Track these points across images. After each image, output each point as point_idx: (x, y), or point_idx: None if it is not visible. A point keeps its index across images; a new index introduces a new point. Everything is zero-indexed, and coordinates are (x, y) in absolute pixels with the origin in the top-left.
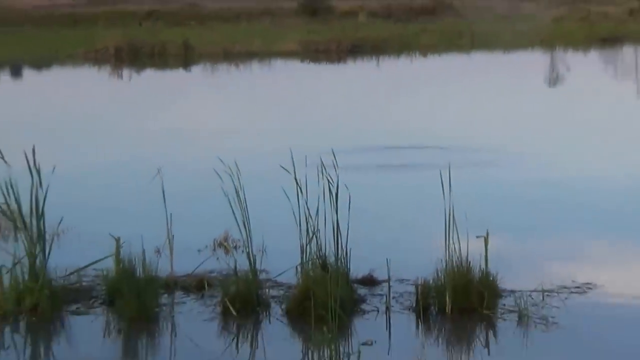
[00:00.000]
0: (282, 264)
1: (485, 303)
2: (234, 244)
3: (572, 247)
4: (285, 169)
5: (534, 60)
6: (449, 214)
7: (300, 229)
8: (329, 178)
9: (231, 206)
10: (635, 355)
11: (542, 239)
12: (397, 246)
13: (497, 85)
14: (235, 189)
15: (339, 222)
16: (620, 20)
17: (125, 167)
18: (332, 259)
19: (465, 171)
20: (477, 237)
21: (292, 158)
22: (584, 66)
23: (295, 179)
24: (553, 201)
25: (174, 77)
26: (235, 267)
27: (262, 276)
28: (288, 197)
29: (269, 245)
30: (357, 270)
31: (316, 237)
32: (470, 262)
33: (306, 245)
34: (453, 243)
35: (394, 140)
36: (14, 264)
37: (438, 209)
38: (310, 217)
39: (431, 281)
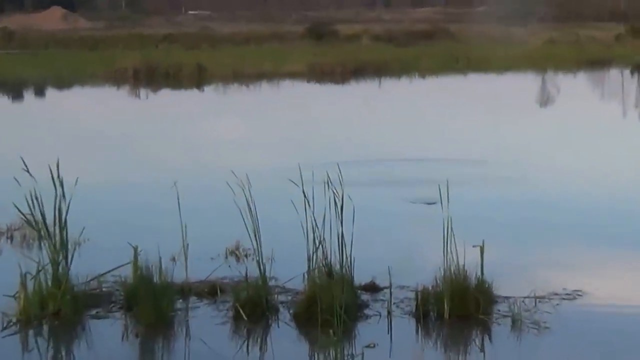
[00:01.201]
0: (290, 271)
1: (481, 309)
2: (245, 253)
3: (563, 256)
4: (294, 182)
5: (526, 82)
6: (447, 225)
7: (307, 239)
8: (334, 191)
9: (242, 217)
10: (623, 357)
11: (534, 248)
12: (398, 255)
13: (491, 105)
14: (247, 201)
15: (344, 232)
16: (608, 44)
17: (143, 180)
18: (337, 267)
19: (462, 185)
20: (474, 246)
21: (300, 172)
22: (574, 87)
23: (303, 192)
24: (544, 214)
25: (188, 96)
26: (246, 274)
27: (272, 283)
28: (296, 209)
29: (277, 254)
30: (361, 277)
31: (322, 246)
32: (467, 270)
33: (313, 253)
34: (451, 252)
35: (396, 155)
36: (38, 271)
37: (437, 221)
38: (317, 227)
39: (430, 288)
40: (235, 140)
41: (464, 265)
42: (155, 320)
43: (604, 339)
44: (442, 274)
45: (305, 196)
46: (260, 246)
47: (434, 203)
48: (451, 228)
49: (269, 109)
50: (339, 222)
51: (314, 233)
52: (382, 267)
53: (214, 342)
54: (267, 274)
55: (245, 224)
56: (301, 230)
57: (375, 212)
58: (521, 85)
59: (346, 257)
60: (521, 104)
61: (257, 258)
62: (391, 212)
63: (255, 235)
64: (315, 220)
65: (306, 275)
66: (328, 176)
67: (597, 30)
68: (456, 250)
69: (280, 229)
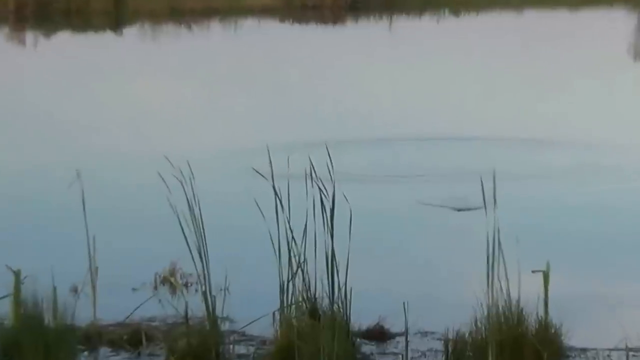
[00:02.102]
0: (253, 309)
1: None
2: (184, 280)
3: None
4: (260, 174)
5: (615, 22)
6: (493, 239)
7: (279, 260)
8: (321, 187)
9: (181, 226)
10: None
11: (623, 276)
12: (418, 285)
13: (562, 60)
14: (188, 201)
15: (335, 249)
16: None
17: (30, 170)
18: (325, 302)
19: (519, 180)
20: (533, 272)
21: (269, 158)
22: None
23: (274, 188)
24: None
25: (99, 44)
26: (186, 313)
27: (225, 327)
28: (262, 214)
29: (234, 283)
30: (361, 318)
31: (302, 270)
32: (522, 308)
33: (288, 282)
34: (498, 281)
35: (414, 133)
36: None
37: (476, 233)
38: (295, 242)
39: (467, 335)
40: (170, 111)
41: (517, 301)
42: None
43: None
44: (485, 314)
45: (277, 194)
46: (208, 271)
47: (472, 209)
48: (499, 244)
49: (222, 63)
50: (328, 235)
51: (289, 250)
52: (394, 303)
53: None
54: (218, 312)
55: (185, 236)
56: (270, 246)
57: (383, 220)
58: (607, 25)
59: (339, 288)
60: (609, 54)
61: (203, 288)
62: (407, 219)
63: (200, 254)
64: (292, 232)
65: (278, 316)
66: (312, 164)
67: None
68: (506, 277)
69: (239, 245)
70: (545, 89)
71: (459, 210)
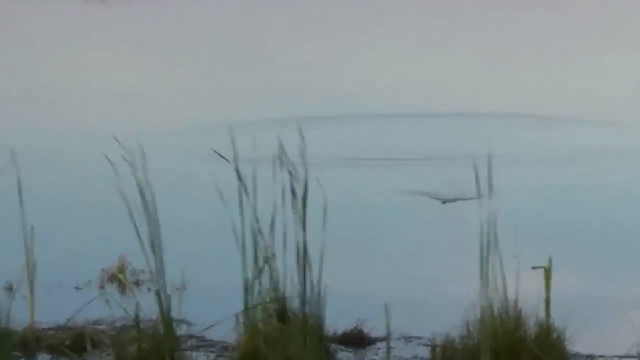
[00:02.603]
0: (213, 310)
1: None
2: (135, 278)
3: None
4: (220, 155)
5: None
6: (488, 231)
7: (243, 254)
8: (291, 171)
9: (131, 215)
10: None
11: (636, 274)
12: (401, 283)
13: (576, 31)
14: (139, 187)
15: (308, 243)
16: None
17: None
18: (295, 303)
19: (519, 165)
20: (533, 268)
21: (232, 136)
22: None
23: (238, 173)
24: None
25: (40, 8)
26: (137, 315)
27: (181, 330)
28: (224, 202)
29: (192, 280)
30: (337, 321)
31: (270, 267)
32: (520, 310)
33: (253, 280)
34: (493, 279)
35: (400, 107)
36: None
37: (468, 225)
38: (261, 234)
39: (457, 340)
40: (120, 85)
41: (515, 301)
42: None
43: None
44: (478, 317)
45: (240, 180)
46: (162, 267)
47: (462, 199)
48: (494, 237)
49: (179, 30)
50: (300, 226)
51: (255, 244)
52: (374, 304)
53: None
54: (174, 314)
55: (135, 227)
56: (233, 238)
57: (363, 209)
58: None
59: (312, 286)
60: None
61: (156, 287)
62: (391, 209)
63: (153, 248)
64: (258, 222)
65: (241, 318)
66: (281, 145)
67: None
68: (503, 275)
69: (198, 237)
70: (553, 61)
71: (444, 202)
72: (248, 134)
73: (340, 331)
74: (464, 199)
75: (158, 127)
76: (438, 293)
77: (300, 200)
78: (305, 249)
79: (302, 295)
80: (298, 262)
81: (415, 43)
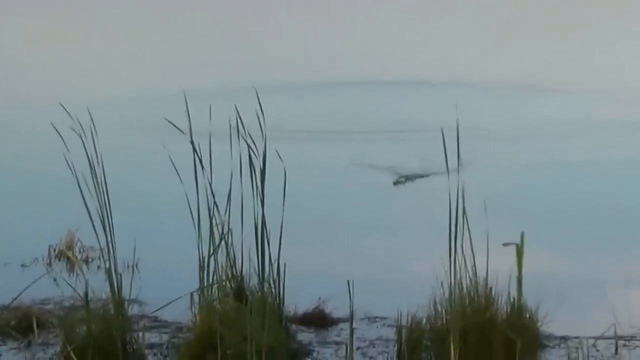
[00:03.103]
0: (167, 289)
1: (518, 357)
2: (84, 255)
3: None
4: (175, 126)
5: None
6: (457, 204)
7: (198, 231)
8: (249, 143)
9: (80, 189)
10: None
11: (612, 252)
12: (364, 259)
13: None
14: (89, 159)
15: (266, 218)
16: None
17: None
18: (253, 282)
19: (499, 138)
20: (505, 245)
21: (186, 104)
22: None
23: (192, 144)
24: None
25: None
26: (86, 295)
27: (134, 310)
28: (179, 174)
29: (144, 258)
30: (297, 300)
31: (226, 243)
32: (491, 288)
33: (209, 257)
34: (462, 255)
35: (367, 73)
36: None
37: (436, 198)
38: (217, 209)
39: (424, 320)
40: (70, 50)
41: (485, 280)
42: None
43: None
44: (446, 295)
45: (196, 152)
46: (113, 243)
47: (419, 176)
48: (463, 211)
49: None
50: (258, 201)
51: (211, 219)
52: (336, 282)
53: None
54: (125, 294)
55: (84, 201)
56: (188, 214)
57: (323, 183)
58: None
59: (271, 264)
60: None
61: (107, 265)
62: (352, 185)
63: (103, 224)
64: (214, 196)
65: (196, 297)
66: (238, 115)
67: None
68: (472, 251)
69: (150, 213)
70: (530, 29)
71: (405, 180)
72: (204, 103)
73: (301, 311)
74: (426, 176)
75: (111, 96)
76: (403, 271)
77: (259, 173)
78: (264, 225)
79: (261, 273)
80: (256, 238)
81: (385, 9)
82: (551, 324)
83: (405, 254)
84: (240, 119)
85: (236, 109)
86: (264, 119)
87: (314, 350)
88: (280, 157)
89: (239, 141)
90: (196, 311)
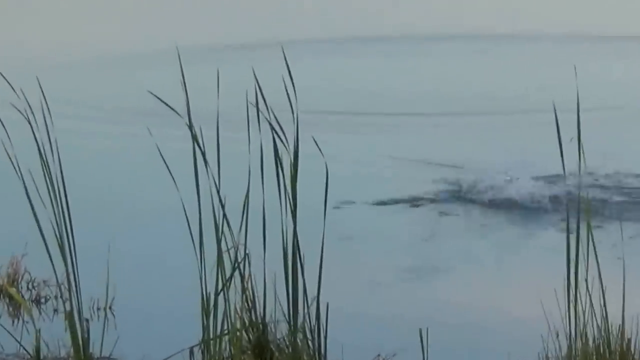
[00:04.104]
0: (154, 342)
1: None
2: (34, 292)
3: None
4: (170, 107)
5: None
6: (577, 216)
7: (200, 255)
8: (274, 127)
9: (28, 197)
10: None
11: None
12: (440, 296)
13: None
14: (41, 153)
15: (299, 237)
16: None
17: None
18: (281, 331)
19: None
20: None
21: (181, 68)
22: None
23: (190, 128)
24: None
25: None
26: (38, 350)
27: None
28: (171, 173)
29: (120, 297)
30: (346, 356)
31: (241, 274)
32: (629, 340)
33: (216, 295)
34: (587, 291)
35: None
36: None
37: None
38: (228, 224)
39: None
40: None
41: (620, 328)
42: None
43: None
44: (564, 351)
45: (195, 140)
46: (76, 275)
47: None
48: (588, 227)
49: None
50: (288, 210)
51: (218, 239)
52: (403, 330)
53: None
54: (95, 350)
55: (32, 210)
56: (185, 229)
57: (372, 179)
58: None
59: (306, 304)
60: None
61: (68, 306)
62: (411, 185)
63: (62, 247)
64: (222, 204)
65: (198, 354)
66: (257, 83)
67: None
68: (601, 286)
69: (129, 228)
70: None
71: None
72: (208, 66)
73: None
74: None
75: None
76: (498, 314)
77: (290, 172)
78: (296, 247)
79: (292, 319)
80: (285, 267)
81: None
82: None
83: (499, 289)
84: (261, 91)
85: (254, 75)
86: (294, 91)
87: None
88: (319, 148)
89: (259, 125)
90: None
